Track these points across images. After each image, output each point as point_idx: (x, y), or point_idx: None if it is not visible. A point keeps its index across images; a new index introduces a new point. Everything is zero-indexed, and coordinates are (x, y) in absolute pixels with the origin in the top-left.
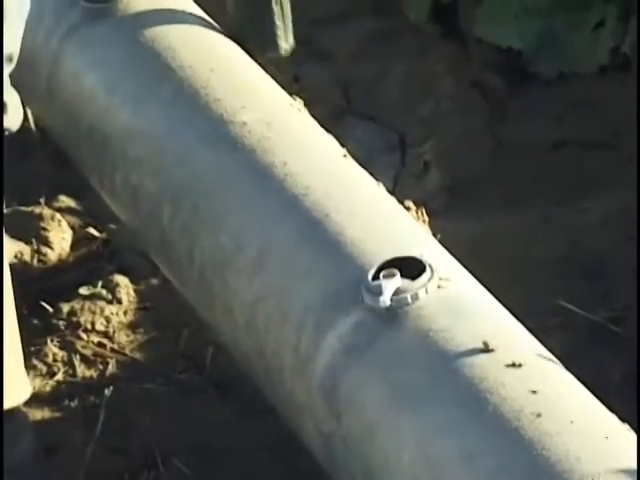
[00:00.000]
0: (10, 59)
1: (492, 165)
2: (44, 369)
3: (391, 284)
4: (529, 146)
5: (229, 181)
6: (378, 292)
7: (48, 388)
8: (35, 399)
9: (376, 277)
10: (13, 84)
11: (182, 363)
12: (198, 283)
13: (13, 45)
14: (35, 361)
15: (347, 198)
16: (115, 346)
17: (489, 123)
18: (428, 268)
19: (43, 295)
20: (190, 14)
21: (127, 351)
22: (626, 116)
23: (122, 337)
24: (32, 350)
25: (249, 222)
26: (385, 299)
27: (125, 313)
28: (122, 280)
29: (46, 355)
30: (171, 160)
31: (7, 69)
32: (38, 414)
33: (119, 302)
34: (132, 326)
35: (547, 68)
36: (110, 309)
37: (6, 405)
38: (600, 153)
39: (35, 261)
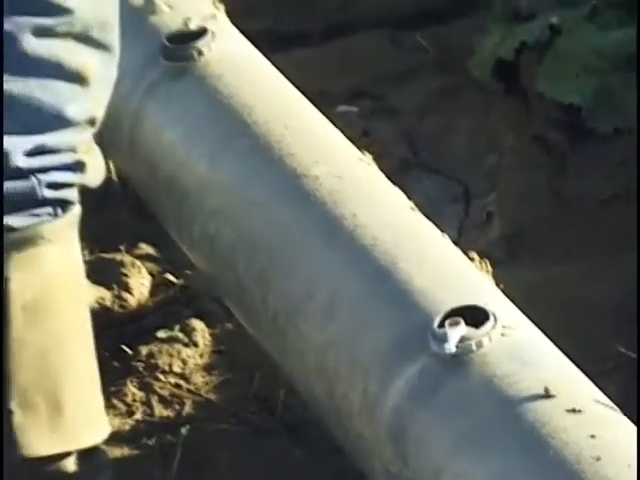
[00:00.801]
0: (93, 123)
1: (551, 216)
2: (123, 409)
3: (456, 332)
4: (587, 199)
5: (302, 232)
6: (444, 339)
7: (127, 427)
8: (114, 437)
9: (442, 325)
10: (96, 142)
11: (255, 404)
12: (271, 328)
13: (98, 111)
14: (115, 401)
15: (414, 248)
16: (191, 387)
17: (549, 176)
18: (491, 316)
19: (123, 338)
20: (265, 73)
21: (202, 392)
22: None
23: (198, 379)
24: (112, 391)
25: (320, 271)
26: (450, 346)
27: (201, 356)
28: (198, 324)
29: (125, 395)
30: (247, 211)
31: (89, 132)
32: (117, 452)
33: (195, 345)
34: (207, 368)
35: (604, 124)
36: (187, 352)
37: (86, 443)
38: None
39: (116, 306)
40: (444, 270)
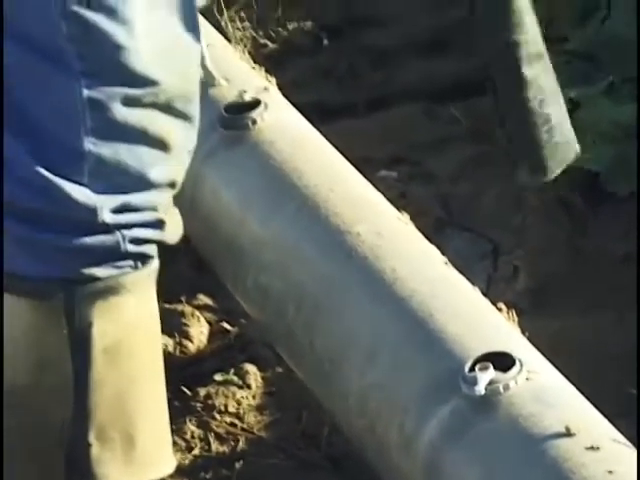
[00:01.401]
0: (173, 186)
1: (572, 271)
2: (183, 445)
3: (485, 376)
4: (604, 256)
5: (345, 284)
6: (474, 383)
7: (187, 461)
8: (176, 471)
9: (472, 369)
10: (174, 204)
11: (302, 441)
12: (317, 372)
13: (178, 175)
14: (176, 437)
15: (448, 300)
16: (245, 426)
17: (570, 235)
18: (517, 362)
19: (183, 381)
20: (313, 141)
21: (255, 430)
22: None
23: (251, 418)
24: (173, 428)
25: (362, 320)
26: (480, 389)
27: (254, 397)
28: (251, 368)
29: (185, 433)
30: (295, 265)
31: (170, 193)
32: None
33: (249, 387)
34: (259, 408)
35: (620, 188)
36: (241, 393)
37: (155, 475)
38: None
39: (177, 352)
40: (475, 319)
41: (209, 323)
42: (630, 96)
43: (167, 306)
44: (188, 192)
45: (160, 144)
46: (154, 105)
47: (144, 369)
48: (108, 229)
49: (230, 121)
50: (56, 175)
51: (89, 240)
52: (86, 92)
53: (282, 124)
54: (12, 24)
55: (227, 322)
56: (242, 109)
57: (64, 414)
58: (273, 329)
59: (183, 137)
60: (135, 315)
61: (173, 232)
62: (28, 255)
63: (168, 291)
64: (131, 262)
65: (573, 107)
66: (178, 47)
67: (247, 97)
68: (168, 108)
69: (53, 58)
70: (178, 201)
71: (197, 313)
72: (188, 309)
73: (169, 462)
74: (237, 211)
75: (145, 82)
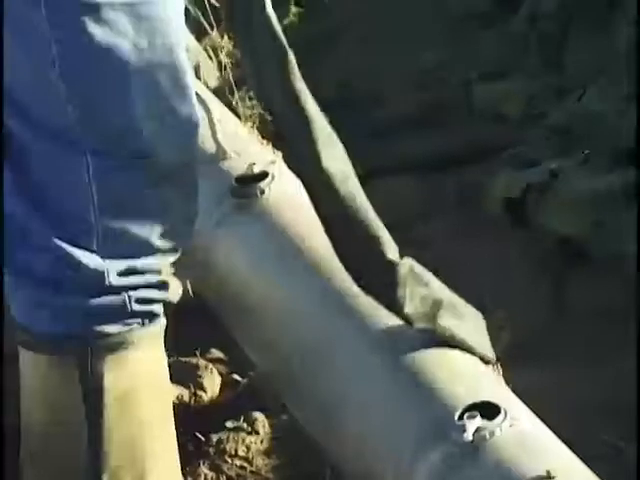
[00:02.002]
0: (175, 251)
1: (552, 327)
2: None
3: (473, 424)
4: (582, 313)
5: (344, 339)
6: (462, 430)
7: None
8: None
9: (461, 418)
10: (176, 265)
11: None
12: (318, 420)
13: (185, 243)
14: (190, 479)
15: (439, 354)
16: (253, 468)
17: (553, 293)
18: (502, 411)
19: (197, 427)
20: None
21: (262, 472)
22: None
23: (259, 461)
24: (188, 471)
25: (359, 372)
26: (468, 435)
27: (261, 442)
28: (259, 416)
29: (199, 475)
30: (299, 322)
31: (172, 258)
32: None
33: (257, 433)
34: (267, 452)
35: (598, 251)
36: (250, 439)
37: None
38: (637, 318)
39: (192, 401)
40: (464, 372)
41: (221, 375)
42: (604, 167)
43: (183, 359)
44: (201, 255)
45: (162, 213)
46: (155, 176)
47: (153, 415)
48: (115, 290)
49: (240, 191)
50: (70, 244)
51: (99, 301)
52: (94, 168)
53: (287, 194)
54: (29, 113)
55: (237, 374)
56: (251, 180)
57: (78, 460)
58: (279, 380)
59: (183, 205)
60: (143, 367)
61: (174, 292)
62: (44, 316)
63: (184, 346)
64: (138, 320)
65: (553, 177)
66: (175, 123)
67: (256, 169)
68: (168, 179)
69: (63, 140)
70: (192, 263)
71: (210, 366)
72: (202, 362)
73: None
74: (245, 273)
75: (146, 156)
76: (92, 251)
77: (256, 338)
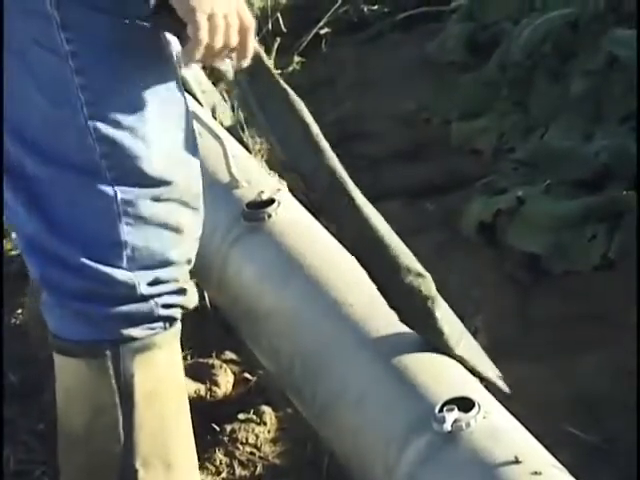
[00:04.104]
0: (189, 262)
1: (520, 333)
2: (213, 469)
3: (451, 416)
4: (546, 321)
5: (341, 345)
6: (442, 421)
7: None
8: None
9: (441, 410)
10: (194, 280)
11: (307, 467)
12: (318, 415)
13: (191, 254)
14: (207, 464)
15: (423, 356)
16: (262, 454)
17: (519, 302)
18: (477, 405)
19: (213, 419)
20: (316, 231)
21: (270, 458)
22: (611, 301)
23: (267, 448)
24: (205, 457)
25: (353, 374)
26: (447, 426)
27: (269, 432)
28: (267, 409)
29: (214, 460)
30: (301, 330)
31: (187, 268)
32: None
33: (265, 424)
34: (273, 441)
35: (558, 267)
36: (258, 429)
37: None
38: (591, 324)
39: (208, 396)
40: (444, 372)
41: (234, 373)
42: (564, 194)
43: (200, 360)
44: (216, 272)
45: (177, 230)
46: (171, 200)
47: (174, 408)
48: (144, 298)
49: (250, 215)
50: (100, 263)
51: (129, 308)
52: (120, 196)
53: (291, 218)
54: (54, 154)
55: (248, 373)
56: (260, 206)
57: (115, 449)
58: (284, 379)
59: (193, 223)
60: (165, 366)
61: (190, 299)
62: (82, 324)
63: (201, 348)
64: (162, 324)
65: (520, 203)
66: (181, 157)
67: (264, 196)
68: (181, 201)
69: (89, 173)
70: (209, 279)
71: (224, 365)
72: (217, 362)
73: None
74: (254, 287)
75: (161, 182)
76: (122, 267)
77: (263, 343)
